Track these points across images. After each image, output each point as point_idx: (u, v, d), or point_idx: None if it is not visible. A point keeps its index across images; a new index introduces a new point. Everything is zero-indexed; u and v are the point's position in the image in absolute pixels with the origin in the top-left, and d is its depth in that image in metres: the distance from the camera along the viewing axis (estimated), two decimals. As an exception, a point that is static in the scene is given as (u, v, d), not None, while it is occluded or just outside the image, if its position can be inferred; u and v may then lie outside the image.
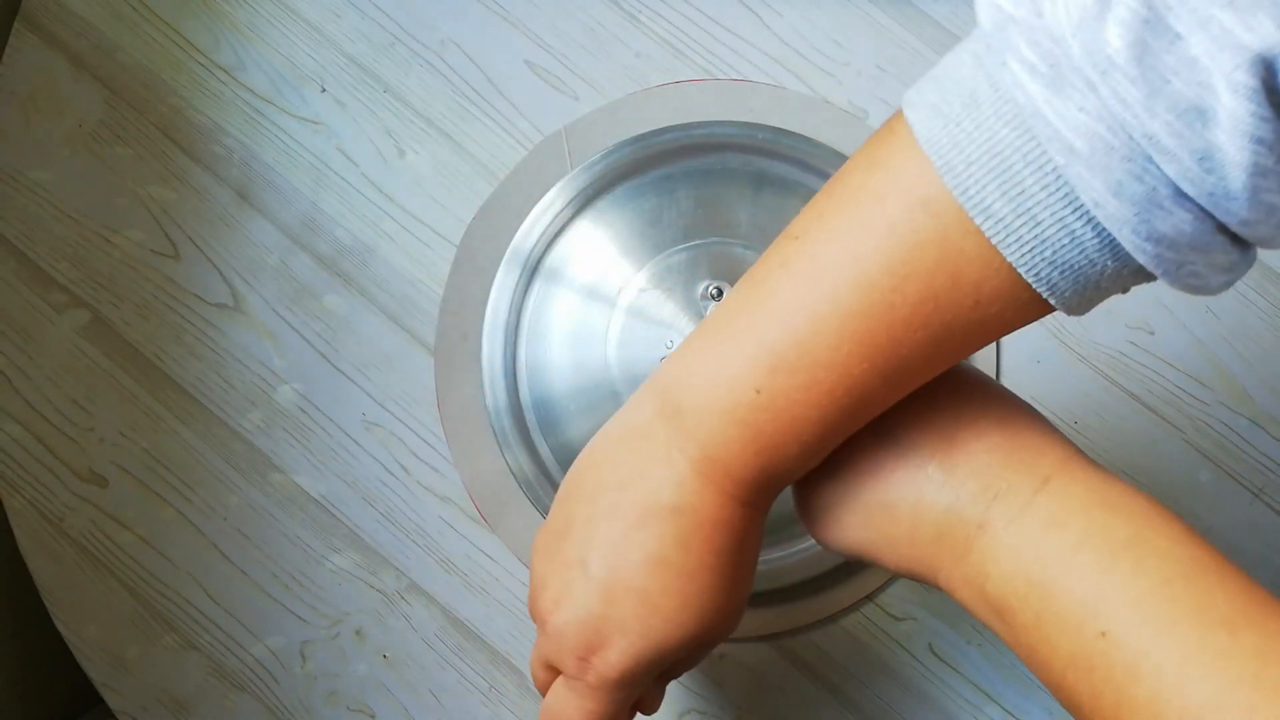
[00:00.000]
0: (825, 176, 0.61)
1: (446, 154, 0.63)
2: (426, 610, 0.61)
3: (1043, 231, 0.36)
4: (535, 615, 0.45)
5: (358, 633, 0.61)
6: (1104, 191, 0.34)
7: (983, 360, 0.61)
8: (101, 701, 0.61)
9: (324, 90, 0.64)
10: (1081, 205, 0.35)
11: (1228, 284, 0.39)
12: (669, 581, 0.42)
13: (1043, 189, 0.35)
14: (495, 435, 0.61)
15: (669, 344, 0.60)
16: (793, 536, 0.60)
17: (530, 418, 0.61)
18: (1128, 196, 0.34)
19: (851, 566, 0.60)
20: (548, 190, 0.62)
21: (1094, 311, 0.61)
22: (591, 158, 0.62)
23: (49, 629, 0.61)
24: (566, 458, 0.60)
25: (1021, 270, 0.37)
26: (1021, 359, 0.61)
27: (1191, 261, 0.37)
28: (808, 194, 0.61)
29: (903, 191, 0.38)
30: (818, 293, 0.39)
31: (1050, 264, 0.36)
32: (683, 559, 0.42)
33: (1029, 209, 0.36)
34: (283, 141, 0.63)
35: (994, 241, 0.36)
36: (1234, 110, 0.32)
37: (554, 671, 0.46)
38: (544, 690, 0.47)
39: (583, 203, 0.62)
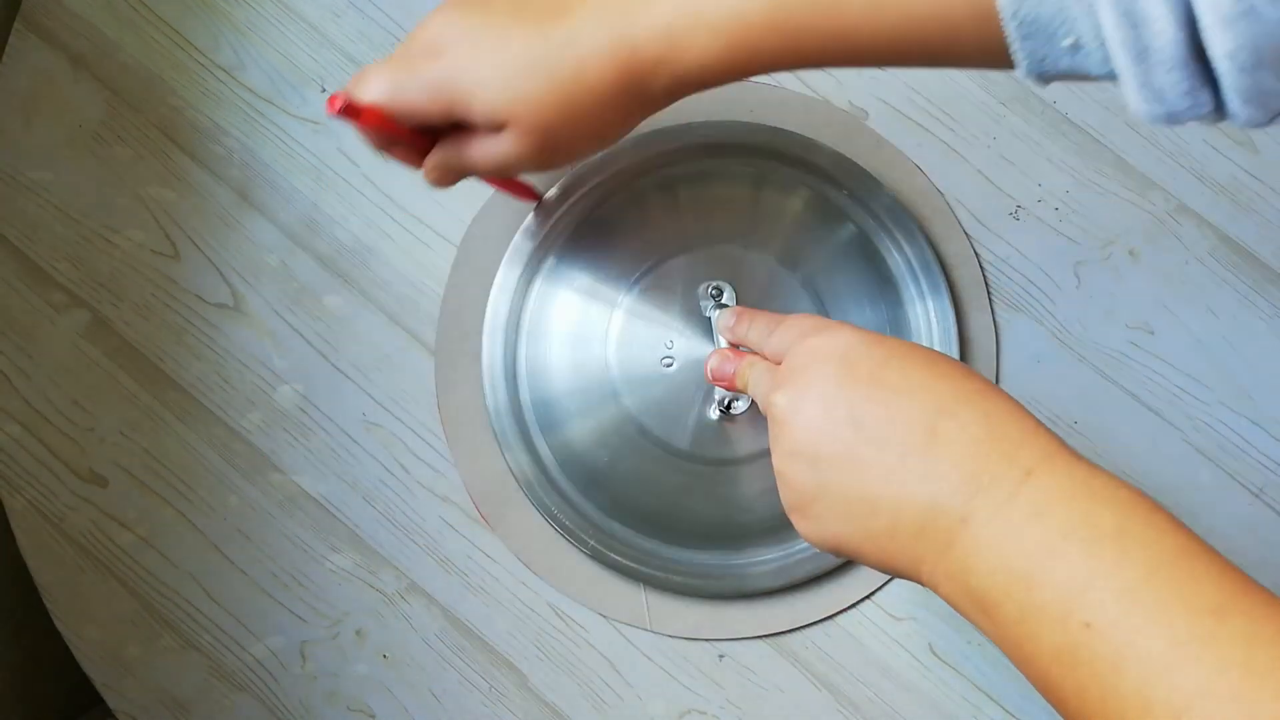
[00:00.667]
0: (825, 177, 0.61)
1: (446, 154, 0.63)
2: (426, 610, 0.61)
3: None
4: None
5: (358, 633, 0.61)
6: None
7: (983, 361, 0.61)
8: (101, 701, 0.61)
9: (324, 90, 0.64)
10: None
11: (1188, 110, 0.39)
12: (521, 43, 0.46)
13: None
14: (495, 435, 0.61)
15: (669, 344, 0.60)
16: (793, 536, 0.60)
17: (530, 417, 0.61)
18: None
19: (851, 566, 0.60)
20: (548, 190, 0.62)
21: (1094, 312, 0.62)
22: (592, 159, 0.62)
23: (49, 629, 0.61)
24: (566, 457, 0.60)
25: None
26: (1022, 359, 0.61)
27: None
28: (808, 194, 0.61)
29: None
30: None
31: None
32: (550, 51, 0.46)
33: None
34: (283, 141, 0.63)
35: None
36: None
37: None
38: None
39: (583, 202, 0.62)
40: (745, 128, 0.62)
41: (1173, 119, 0.39)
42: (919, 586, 0.60)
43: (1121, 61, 0.38)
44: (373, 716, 0.61)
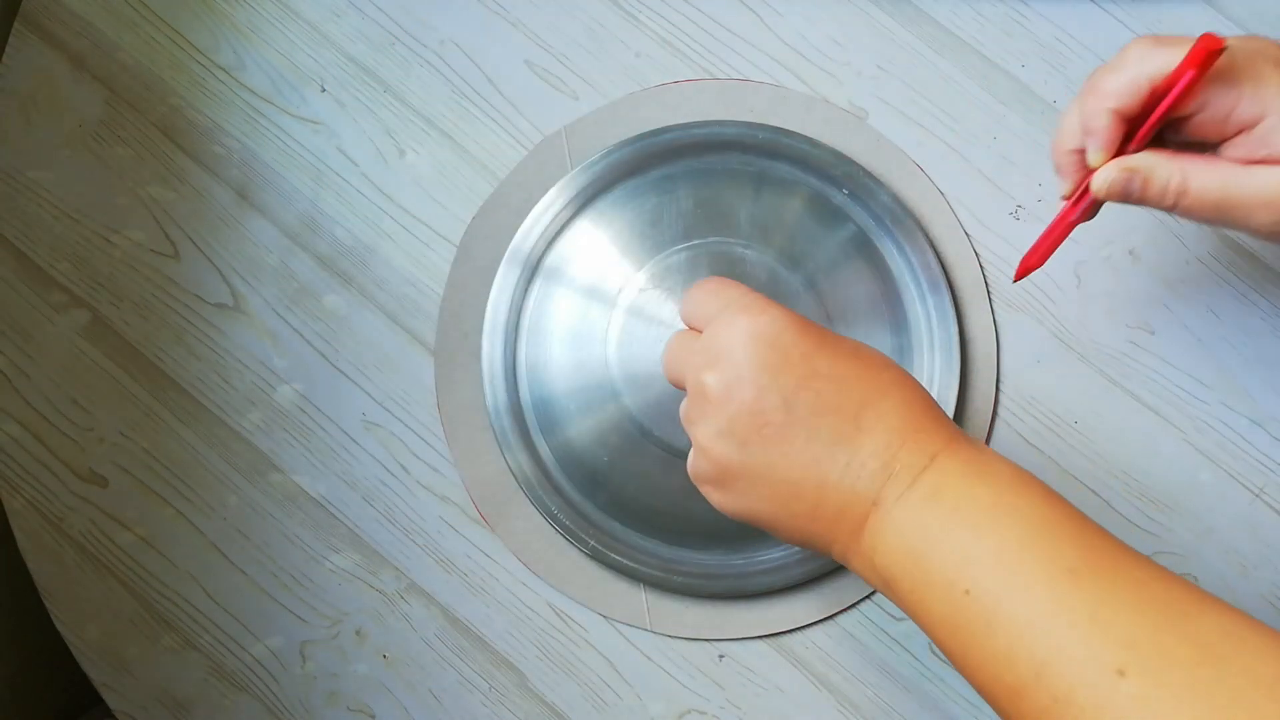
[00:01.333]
0: (825, 176, 0.61)
1: (446, 154, 0.63)
2: (426, 610, 0.61)
3: None
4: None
5: (358, 633, 0.61)
6: None
7: (983, 360, 0.61)
8: (101, 701, 0.61)
9: (324, 90, 0.64)
10: None
11: None
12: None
13: None
14: (495, 435, 0.61)
15: None
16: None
17: (530, 418, 0.61)
18: None
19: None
20: (548, 190, 0.62)
21: (1095, 311, 0.62)
22: (591, 157, 0.62)
23: (49, 629, 0.61)
24: (566, 457, 0.60)
25: None
26: (1023, 359, 0.61)
27: None
28: (808, 194, 0.61)
29: None
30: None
31: None
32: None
33: None
34: (283, 141, 0.63)
35: None
36: None
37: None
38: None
39: (583, 202, 0.62)
40: (746, 127, 0.62)
41: None
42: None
43: None
44: (373, 716, 0.61)
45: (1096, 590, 0.39)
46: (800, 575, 0.60)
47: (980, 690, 0.41)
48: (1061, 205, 0.51)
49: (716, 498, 0.47)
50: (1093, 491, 0.60)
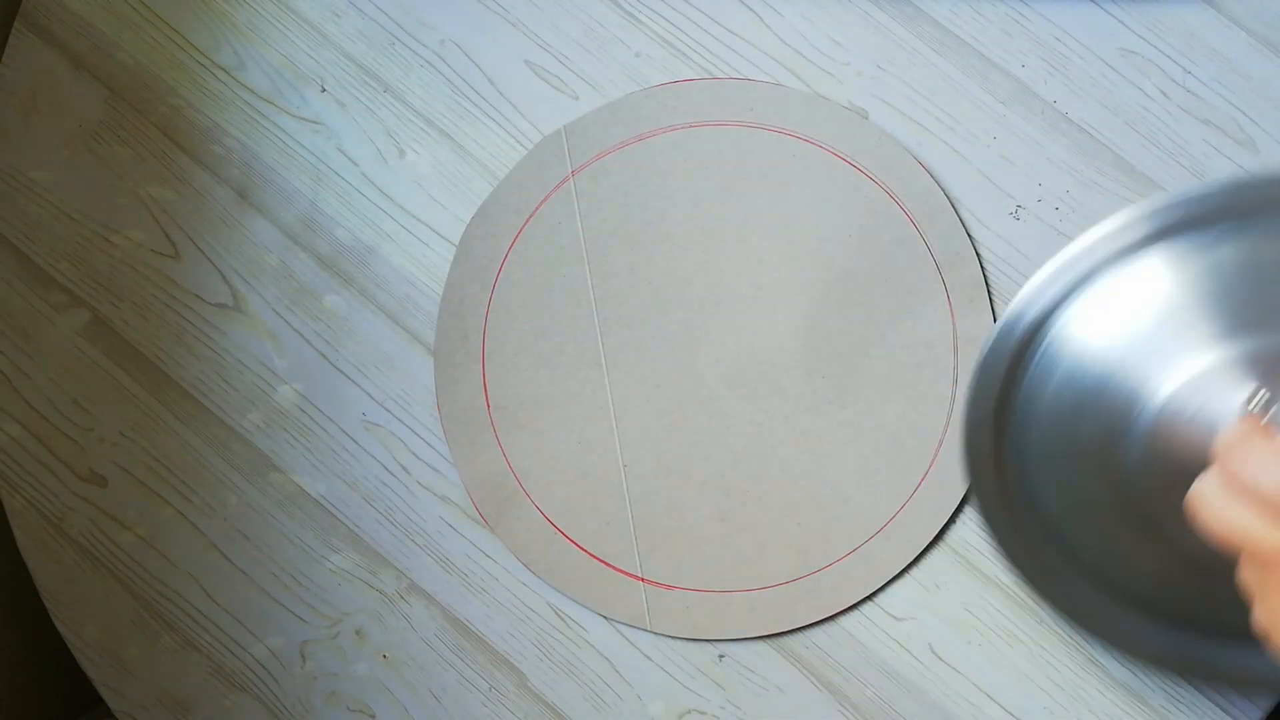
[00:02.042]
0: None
1: (446, 154, 0.63)
2: (426, 610, 0.61)
3: None
4: None
5: (358, 633, 0.61)
6: None
7: (983, 360, 0.61)
8: (101, 701, 0.61)
9: (324, 90, 0.64)
10: None
11: None
12: None
13: None
14: (496, 434, 0.61)
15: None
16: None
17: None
18: None
19: (851, 565, 0.60)
20: (547, 192, 0.62)
21: (1094, 311, 0.61)
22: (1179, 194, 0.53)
23: (49, 629, 0.61)
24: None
25: None
26: (1022, 359, 0.61)
27: None
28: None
29: None
30: None
31: None
32: None
33: None
34: (283, 141, 0.63)
35: None
36: None
37: None
38: None
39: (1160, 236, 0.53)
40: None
41: None
42: (920, 587, 0.60)
43: None
44: (373, 716, 0.61)
45: None
46: (800, 574, 0.60)
47: None
48: None
49: None
50: (1093, 491, 0.60)
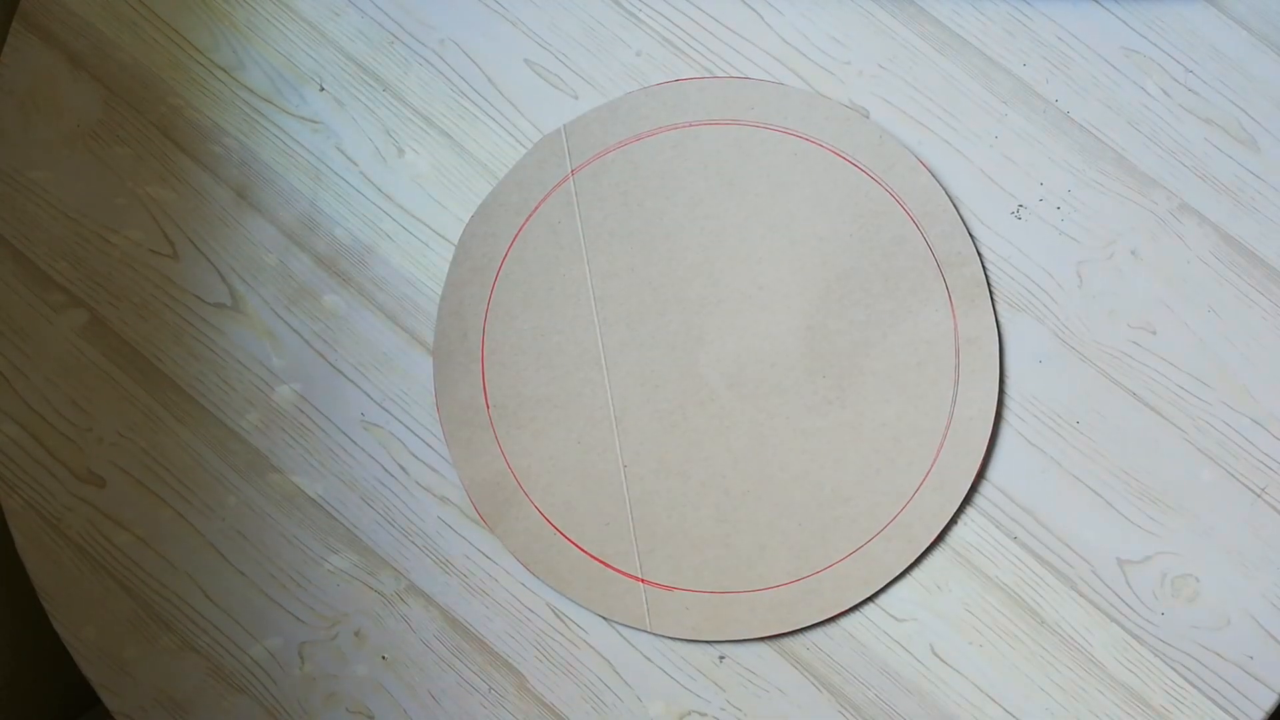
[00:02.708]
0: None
1: (446, 154, 0.63)
2: (425, 611, 0.61)
3: None
4: None
5: (356, 634, 0.61)
6: None
7: (985, 361, 0.61)
8: (100, 702, 0.61)
9: (323, 90, 0.63)
10: None
11: None
12: None
13: None
14: (495, 434, 0.61)
15: None
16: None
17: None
18: None
19: (850, 567, 0.60)
20: (547, 189, 0.62)
21: (1096, 311, 0.61)
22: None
23: (47, 629, 0.61)
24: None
25: None
26: (1024, 358, 0.61)
27: None
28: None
29: None
30: None
31: None
32: None
33: None
34: (282, 141, 0.63)
35: None
36: None
37: None
38: None
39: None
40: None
41: None
42: (920, 588, 0.60)
43: None
44: (371, 718, 0.60)
45: None
46: (801, 574, 0.60)
47: None
48: None
49: None
50: (1094, 491, 0.60)
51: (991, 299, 0.61)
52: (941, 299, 0.60)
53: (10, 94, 0.63)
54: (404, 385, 0.62)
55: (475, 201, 0.63)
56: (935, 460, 0.60)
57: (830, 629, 0.60)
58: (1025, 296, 0.61)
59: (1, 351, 0.62)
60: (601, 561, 0.60)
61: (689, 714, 0.60)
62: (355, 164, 0.63)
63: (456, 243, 0.62)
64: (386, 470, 0.62)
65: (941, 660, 0.60)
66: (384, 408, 0.62)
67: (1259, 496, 0.60)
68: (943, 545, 0.60)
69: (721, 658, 0.60)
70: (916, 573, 0.60)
